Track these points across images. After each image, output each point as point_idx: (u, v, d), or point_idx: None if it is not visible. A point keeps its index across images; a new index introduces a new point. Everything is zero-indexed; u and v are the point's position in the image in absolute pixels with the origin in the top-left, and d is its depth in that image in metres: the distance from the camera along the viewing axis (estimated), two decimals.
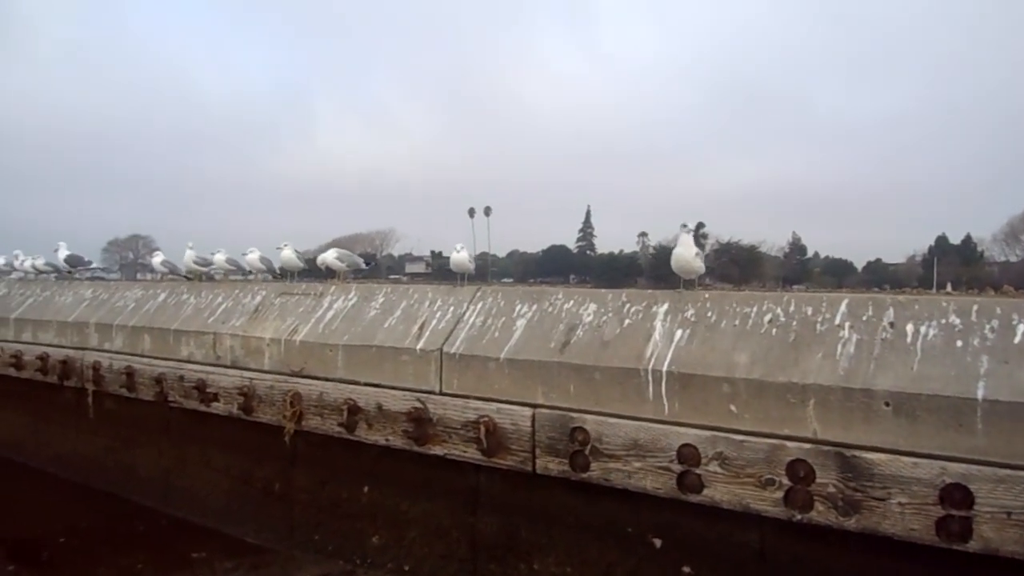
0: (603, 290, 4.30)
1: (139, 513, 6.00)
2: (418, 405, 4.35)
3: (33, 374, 7.23)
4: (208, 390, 5.56)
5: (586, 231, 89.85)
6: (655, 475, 3.56)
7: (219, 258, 7.29)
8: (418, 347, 4.49)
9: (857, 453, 3.08)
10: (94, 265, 10.73)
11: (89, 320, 6.92)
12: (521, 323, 4.28)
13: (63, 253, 10.28)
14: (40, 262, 10.60)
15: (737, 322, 3.65)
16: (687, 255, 4.31)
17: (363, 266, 6.87)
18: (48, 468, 7.27)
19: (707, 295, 3.90)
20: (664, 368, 3.62)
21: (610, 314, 4.04)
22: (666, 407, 3.60)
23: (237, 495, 5.60)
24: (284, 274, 7.16)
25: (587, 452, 3.74)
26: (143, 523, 5.82)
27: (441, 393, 4.34)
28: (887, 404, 3.09)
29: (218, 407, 5.50)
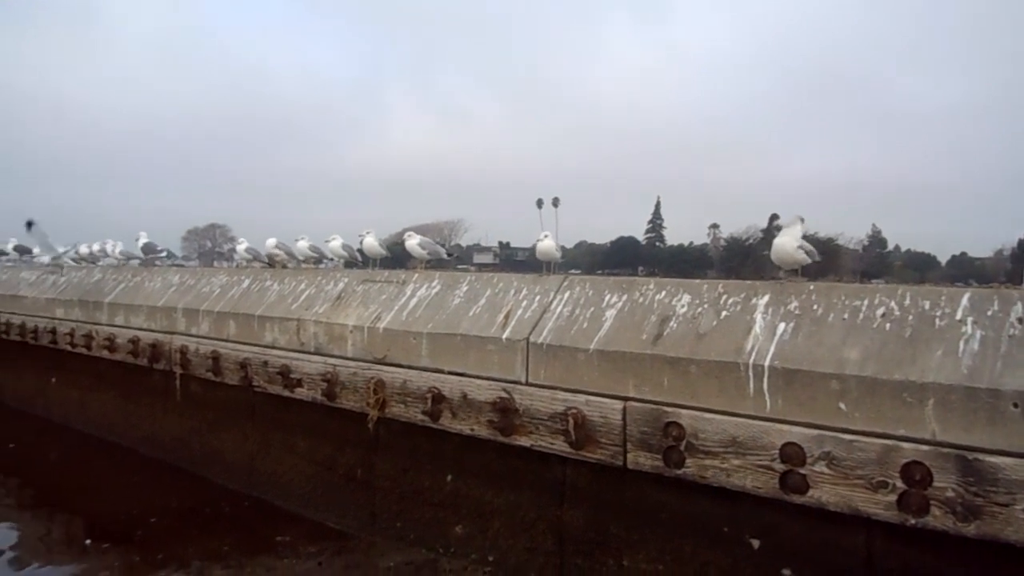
0: (697, 280, 4.21)
1: (225, 495, 6.25)
2: (504, 395, 4.37)
3: (125, 356, 7.59)
4: (292, 376, 5.72)
5: (655, 222, 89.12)
6: (755, 474, 3.48)
7: (302, 245, 7.48)
8: (504, 336, 4.50)
9: (980, 456, 2.94)
10: (164, 253, 11.38)
11: (177, 305, 7.21)
12: (611, 313, 4.23)
13: (142, 241, 10.86)
14: (119, 249, 11.22)
15: (846, 316, 3.52)
16: (788, 245, 4.18)
17: (445, 256, 6.93)
18: (138, 448, 7.64)
19: (812, 286, 3.77)
20: (766, 363, 3.52)
21: (706, 305, 3.96)
22: (768, 403, 3.51)
23: (320, 480, 5.75)
24: (366, 261, 7.30)
25: (682, 448, 3.69)
26: (228, 505, 6.06)
27: (527, 383, 4.34)
28: (1015, 405, 2.93)
29: (302, 393, 5.66)
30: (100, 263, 10.48)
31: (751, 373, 3.57)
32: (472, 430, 4.52)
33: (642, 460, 3.83)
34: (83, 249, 12.23)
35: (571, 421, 4.03)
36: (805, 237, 4.41)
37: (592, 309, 4.33)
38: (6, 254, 14.31)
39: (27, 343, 9.39)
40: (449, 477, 4.90)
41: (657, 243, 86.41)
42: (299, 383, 5.68)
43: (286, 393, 5.78)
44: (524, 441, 4.28)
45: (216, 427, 6.80)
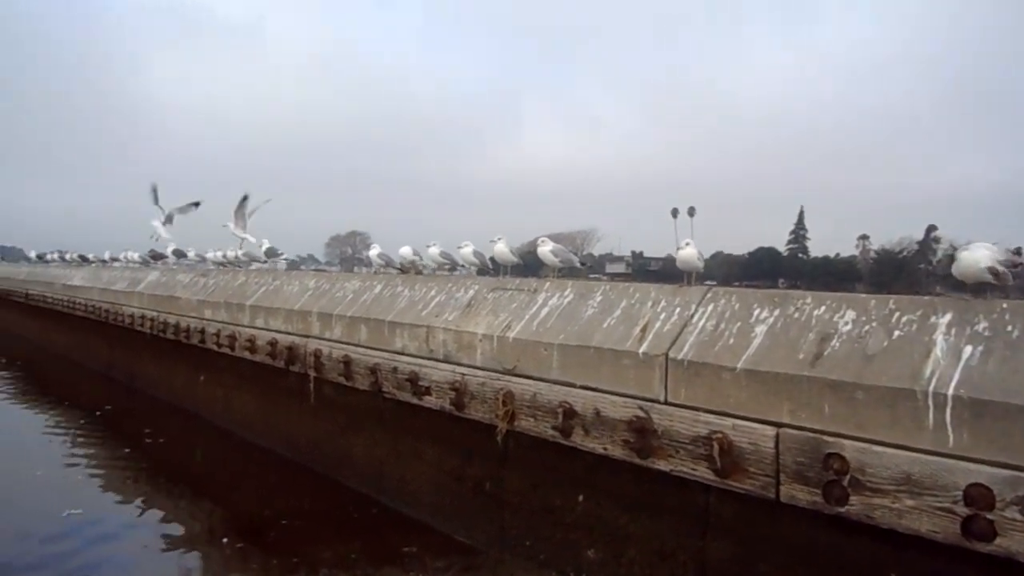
0: (863, 295, 3.83)
1: (353, 500, 6.41)
2: (641, 414, 4.15)
3: (264, 358, 7.98)
4: (420, 383, 5.76)
5: (798, 232, 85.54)
6: (932, 517, 3.10)
7: (433, 251, 7.58)
8: (641, 351, 4.29)
9: None
10: (283, 255, 12.18)
11: (312, 309, 7.48)
12: (761, 329, 3.93)
13: (265, 246, 11.52)
14: (241, 252, 11.98)
15: None
16: (971, 258, 3.70)
17: (577, 264, 6.78)
18: (275, 448, 8.01)
19: (1005, 304, 3.32)
20: (949, 391, 3.12)
21: (874, 323, 3.58)
22: (951, 438, 3.11)
23: (447, 491, 5.76)
24: (497, 268, 7.28)
25: (845, 483, 3.34)
26: (357, 510, 6.20)
27: (666, 402, 4.11)
28: None
29: (430, 401, 5.68)
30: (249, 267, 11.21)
31: (931, 402, 3.17)
32: (605, 449, 4.34)
33: (798, 494, 3.51)
34: (209, 254, 13.18)
35: (716, 446, 3.76)
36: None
37: (739, 324, 4.04)
38: (165, 257, 15.57)
39: (180, 342, 10.11)
40: (580, 497, 4.74)
41: (800, 254, 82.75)
42: (427, 391, 5.71)
43: (414, 400, 5.83)
44: (663, 465, 4.05)
45: (347, 431, 6.99)
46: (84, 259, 20.43)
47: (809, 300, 3.91)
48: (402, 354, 6.11)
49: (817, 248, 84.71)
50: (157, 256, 15.98)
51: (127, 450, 8.37)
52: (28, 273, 22.37)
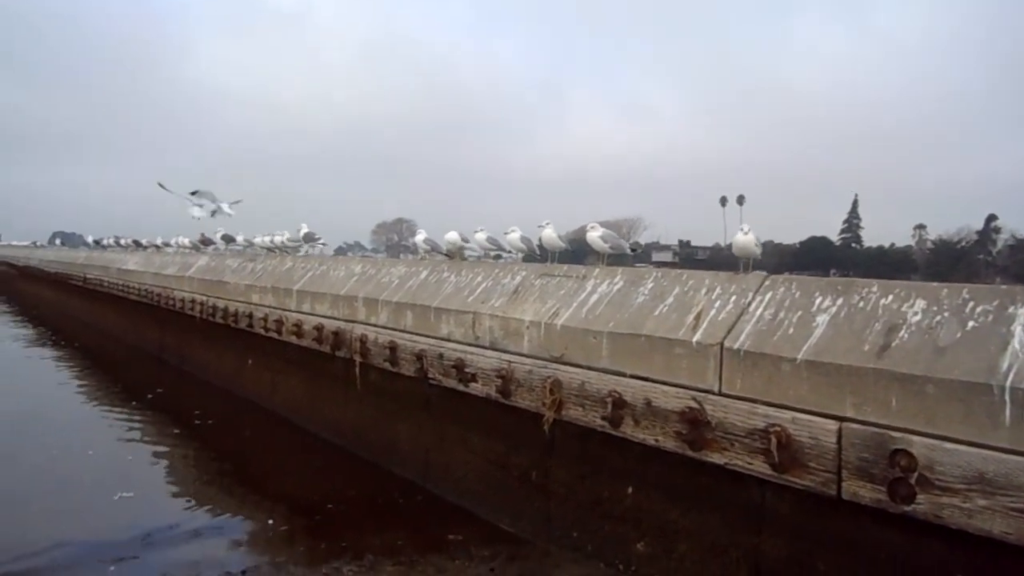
0: (933, 284, 3.63)
1: (399, 486, 6.41)
2: (694, 405, 4.03)
3: (310, 343, 8.04)
4: (467, 370, 5.71)
5: (851, 222, 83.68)
6: (1007, 518, 2.93)
7: (480, 237, 7.52)
8: (694, 340, 4.16)
9: None
10: (321, 240, 12.39)
11: (358, 294, 7.50)
12: (822, 319, 3.76)
13: (303, 231, 11.67)
14: (286, 237, 12.14)
15: None
16: None
17: (627, 250, 6.65)
18: (321, 432, 8.08)
19: None
20: None
21: (946, 313, 3.39)
22: None
23: (493, 480, 5.71)
24: (544, 254, 7.19)
25: (912, 481, 3.18)
26: (402, 497, 6.20)
27: (720, 393, 3.98)
28: None
29: (476, 388, 5.63)
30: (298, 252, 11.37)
31: (1008, 397, 2.99)
32: (656, 441, 4.23)
33: (860, 491, 3.35)
34: (257, 239, 13.39)
35: (773, 440, 3.62)
36: None
37: (799, 313, 3.88)
38: (214, 243, 15.87)
39: (229, 326, 10.28)
40: (630, 489, 4.64)
41: (853, 244, 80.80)
42: (473, 378, 5.66)
43: (460, 387, 5.79)
44: (716, 458, 3.93)
45: (393, 417, 7.00)
46: (138, 244, 20.99)
47: (875, 289, 3.73)
48: (448, 340, 6.07)
49: (871, 238, 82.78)
50: (207, 241, 16.30)
51: (176, 431, 8.56)
52: (86, 258, 23.07)
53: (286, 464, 7.37)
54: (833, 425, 3.45)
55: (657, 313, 4.55)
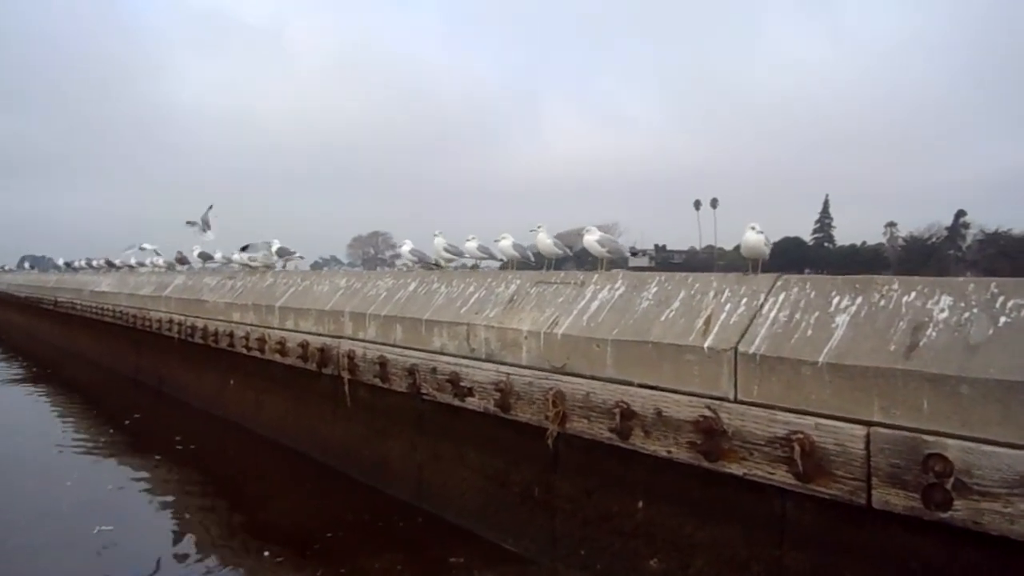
0: (959, 279, 3.48)
1: (395, 508, 6.15)
2: (708, 414, 3.84)
3: (295, 360, 7.76)
4: (462, 384, 5.49)
5: (824, 222, 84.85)
6: None
7: (471, 246, 7.29)
8: (705, 345, 3.97)
9: None
10: (297, 254, 11.92)
11: (344, 309, 7.24)
12: (842, 319, 3.59)
13: (276, 246, 11.32)
14: (260, 255, 11.80)
15: None
16: None
17: (627, 254, 6.45)
18: (310, 452, 7.80)
19: None
20: None
21: (974, 309, 3.24)
22: None
23: (493, 497, 5.48)
24: (539, 261, 6.99)
25: (948, 486, 3.01)
26: (400, 519, 5.94)
27: (736, 401, 3.79)
28: None
29: (472, 403, 5.41)
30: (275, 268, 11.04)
31: None
32: (669, 452, 4.03)
33: (892, 499, 3.18)
34: (236, 256, 13.02)
35: (796, 448, 3.44)
36: (997, 235, 3.60)
37: (817, 314, 3.70)
38: (189, 262, 15.46)
39: (209, 346, 9.95)
40: (640, 503, 4.43)
41: (826, 243, 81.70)
42: (470, 392, 5.43)
43: (456, 402, 5.56)
44: (734, 468, 3.74)
45: (384, 435, 6.74)
46: (111, 264, 20.44)
47: (896, 286, 3.57)
48: (441, 354, 5.84)
49: (844, 237, 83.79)
50: (182, 260, 15.88)
51: (158, 457, 8.19)
52: (57, 281, 22.49)
53: (275, 488, 7.06)
54: (860, 430, 3.28)
55: (664, 319, 4.36)
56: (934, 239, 75.27)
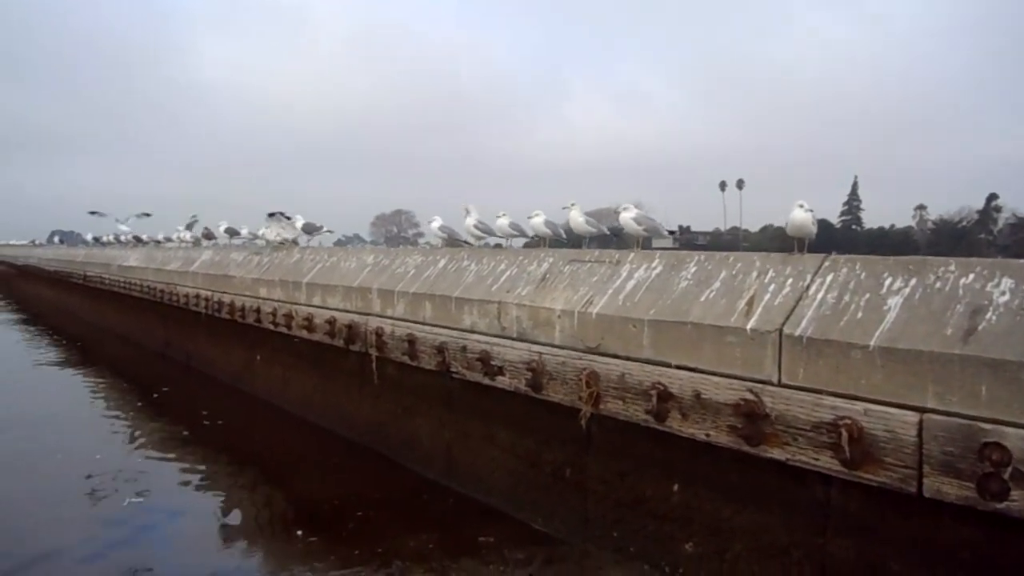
0: (1021, 261, 3.33)
1: (424, 486, 6.12)
2: (750, 397, 3.73)
3: (322, 337, 7.73)
4: (492, 363, 5.42)
5: (852, 204, 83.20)
6: None
7: (501, 223, 7.18)
8: (748, 327, 3.85)
9: None
10: (324, 230, 11.85)
11: (372, 286, 7.19)
12: (895, 302, 3.46)
13: (300, 222, 11.24)
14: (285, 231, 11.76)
15: None
16: None
17: (664, 233, 6.31)
18: (336, 429, 7.79)
19: None
20: None
21: None
22: None
23: (523, 477, 5.43)
24: (572, 239, 6.87)
25: (1006, 476, 2.88)
26: (429, 497, 5.92)
27: (780, 384, 3.68)
28: None
29: (503, 382, 5.34)
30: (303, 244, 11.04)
31: None
32: (708, 436, 3.93)
33: (945, 488, 3.06)
34: (262, 232, 13.00)
35: (844, 434, 3.32)
36: None
37: (867, 296, 3.57)
38: (216, 238, 15.51)
39: (236, 321, 9.96)
40: (676, 486, 4.35)
41: (854, 226, 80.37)
42: (500, 371, 5.36)
43: (486, 381, 5.49)
44: (776, 453, 3.63)
45: (412, 413, 6.70)
46: (139, 240, 20.60)
47: (953, 267, 3.42)
48: (471, 332, 5.77)
49: (872, 220, 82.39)
50: (209, 236, 15.94)
51: (185, 433, 8.24)
52: (86, 255, 22.71)
53: (300, 464, 7.06)
54: (913, 417, 3.16)
55: (704, 299, 4.24)
56: (965, 222, 73.87)
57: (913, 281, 3.49)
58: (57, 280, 24.10)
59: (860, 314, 3.51)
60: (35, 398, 10.45)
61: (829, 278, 3.80)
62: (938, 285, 3.39)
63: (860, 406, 3.33)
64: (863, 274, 3.69)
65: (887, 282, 3.57)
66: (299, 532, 5.41)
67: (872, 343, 3.35)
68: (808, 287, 3.83)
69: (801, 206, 4.64)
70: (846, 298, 3.63)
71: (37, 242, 45.95)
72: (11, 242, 50.74)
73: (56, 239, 44.75)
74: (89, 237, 28.43)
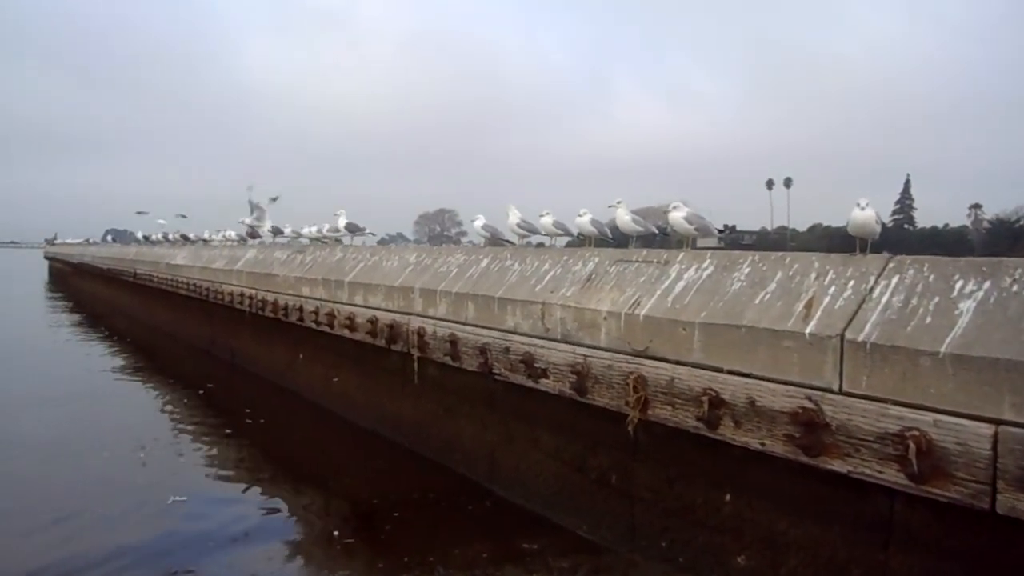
0: None
1: (464, 488, 6.05)
2: (808, 405, 3.56)
3: (364, 336, 7.72)
4: (536, 365, 5.31)
5: (904, 203, 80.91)
6: None
7: (545, 221, 7.07)
8: (807, 331, 3.68)
9: None
10: (367, 230, 11.75)
11: (414, 285, 7.13)
12: (967, 306, 3.26)
13: (343, 221, 11.21)
14: (325, 228, 11.78)
15: None
16: None
17: (715, 232, 6.13)
18: (377, 429, 7.77)
19: None
20: None
21: None
22: None
23: (568, 483, 5.31)
24: (619, 238, 6.72)
25: None
26: (469, 501, 5.84)
27: (841, 392, 3.49)
28: None
29: (547, 384, 5.23)
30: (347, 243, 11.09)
31: None
32: (762, 445, 3.77)
33: (1021, 505, 2.86)
34: (305, 230, 13.10)
35: (911, 446, 3.14)
36: None
37: (937, 299, 3.37)
38: (260, 236, 15.71)
39: (279, 320, 10.03)
40: (728, 496, 4.19)
41: (906, 225, 78.23)
42: (544, 373, 5.25)
43: (529, 383, 5.39)
44: (837, 465, 3.46)
45: (454, 414, 6.64)
46: (186, 238, 21.02)
47: None
48: (514, 333, 5.66)
49: (925, 219, 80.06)
50: (254, 234, 16.15)
51: (228, 431, 8.30)
52: (136, 253, 23.25)
53: (344, 464, 7.04)
54: (987, 429, 2.96)
55: (758, 301, 4.07)
56: (1022, 222, 71.33)
57: (987, 284, 3.28)
58: (110, 278, 24.71)
59: (929, 319, 3.32)
60: (84, 393, 10.62)
61: (894, 280, 3.60)
62: (1015, 288, 3.18)
63: (929, 417, 3.14)
64: (932, 276, 3.49)
65: (958, 285, 3.36)
66: (336, 533, 5.38)
67: (943, 350, 3.15)
68: (872, 290, 3.64)
69: (860, 205, 4.43)
70: (913, 301, 3.44)
71: (91, 240, 47.25)
72: (68, 240, 52.31)
73: (109, 237, 45.99)
74: (139, 235, 29.13)
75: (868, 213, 4.45)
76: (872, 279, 3.69)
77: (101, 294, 26.09)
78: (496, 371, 5.76)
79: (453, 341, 6.28)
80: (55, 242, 55.89)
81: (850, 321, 3.56)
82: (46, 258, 51.68)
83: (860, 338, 3.45)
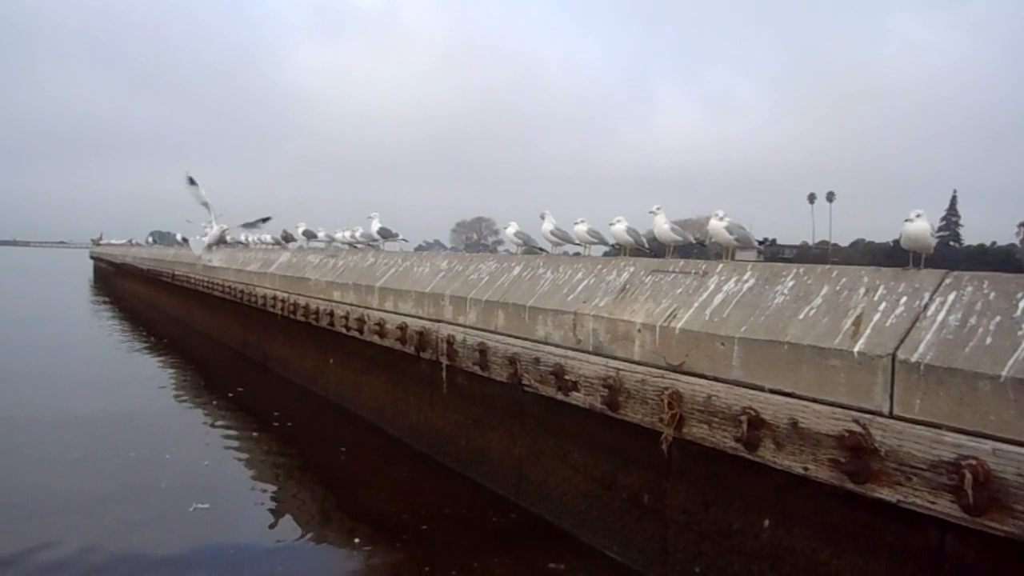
0: None
1: (491, 502, 5.92)
2: (856, 429, 3.35)
3: (393, 343, 7.64)
4: (566, 377, 5.16)
5: (950, 219, 78.87)
6: None
7: (580, 229, 6.92)
8: (855, 350, 3.47)
9: None
10: (400, 236, 11.60)
11: (444, 292, 7.03)
12: None
13: (376, 225, 11.12)
14: (358, 233, 11.71)
15: None
16: None
17: (756, 243, 5.93)
18: (404, 438, 7.69)
19: None
20: None
21: None
22: None
23: (597, 500, 5.14)
24: (655, 248, 6.54)
25: None
26: (496, 515, 5.71)
27: (892, 416, 3.28)
28: None
29: (577, 398, 5.07)
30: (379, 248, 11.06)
31: None
32: (805, 469, 3.56)
33: None
34: (338, 235, 13.08)
35: (967, 476, 2.91)
36: None
37: (998, 319, 3.15)
38: (296, 239, 15.78)
39: (310, 324, 10.02)
40: (767, 522, 3.98)
41: (951, 243, 76.21)
42: (575, 386, 5.10)
43: (559, 396, 5.24)
44: (886, 494, 3.24)
45: (482, 425, 6.51)
46: (222, 241, 21.22)
47: None
48: (545, 343, 5.52)
49: (972, 236, 77.93)
50: (288, 238, 16.23)
51: (256, 434, 8.29)
52: (175, 255, 23.59)
53: (372, 474, 6.94)
54: None
55: (802, 317, 3.87)
56: None
57: None
58: (150, 278, 25.14)
59: (989, 339, 3.09)
60: (117, 392, 10.71)
61: (951, 297, 3.38)
62: None
63: (988, 445, 2.92)
64: (992, 294, 3.26)
65: (1022, 303, 3.13)
66: (357, 540, 5.28)
67: (1004, 373, 2.93)
68: (926, 307, 3.42)
69: (911, 218, 4.20)
70: (972, 320, 3.21)
71: (134, 241, 48.23)
72: (112, 241, 53.52)
73: (150, 239, 46.92)
74: (179, 237, 29.59)
75: (922, 224, 4.22)
76: (927, 295, 3.47)
77: (142, 294, 26.56)
78: (525, 382, 5.62)
79: (482, 350, 6.16)
80: (100, 243, 57.16)
81: (902, 340, 3.35)
82: (91, 258, 52.95)
83: (913, 358, 3.23)
